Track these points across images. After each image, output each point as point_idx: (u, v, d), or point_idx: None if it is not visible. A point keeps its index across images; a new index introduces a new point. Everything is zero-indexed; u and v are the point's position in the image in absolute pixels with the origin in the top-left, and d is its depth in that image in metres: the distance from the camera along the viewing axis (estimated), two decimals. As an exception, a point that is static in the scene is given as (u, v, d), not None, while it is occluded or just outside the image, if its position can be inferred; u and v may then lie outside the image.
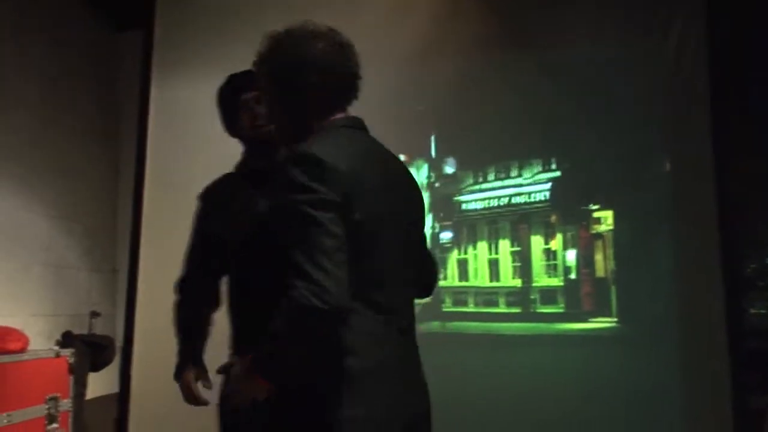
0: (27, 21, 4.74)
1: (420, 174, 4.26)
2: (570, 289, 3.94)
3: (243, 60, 4.30)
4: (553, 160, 4.04)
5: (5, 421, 3.63)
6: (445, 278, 4.14)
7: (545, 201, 4.03)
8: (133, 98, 4.99)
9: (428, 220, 4.23)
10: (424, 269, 2.03)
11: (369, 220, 1.67)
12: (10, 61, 4.57)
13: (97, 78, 5.58)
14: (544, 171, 4.05)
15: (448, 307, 4.15)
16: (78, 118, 5.30)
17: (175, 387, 2.43)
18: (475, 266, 4.14)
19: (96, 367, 4.83)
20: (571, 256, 3.96)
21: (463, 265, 4.16)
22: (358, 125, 1.85)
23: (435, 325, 4.15)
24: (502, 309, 4.07)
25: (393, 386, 1.72)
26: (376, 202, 1.70)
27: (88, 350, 4.73)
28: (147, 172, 4.66)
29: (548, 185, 4.03)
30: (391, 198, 1.77)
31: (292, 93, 1.79)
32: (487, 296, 4.11)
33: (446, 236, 4.20)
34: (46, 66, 4.95)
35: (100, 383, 4.84)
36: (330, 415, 1.64)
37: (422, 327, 4.15)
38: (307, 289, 1.51)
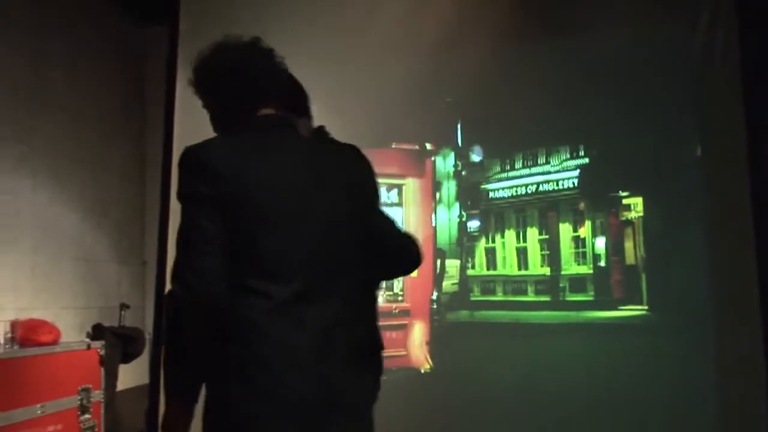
0: (52, 17, 4.78)
1: (446, 163, 4.25)
2: (599, 276, 3.90)
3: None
4: (581, 146, 4.00)
5: (39, 411, 3.68)
6: (473, 267, 4.12)
7: (574, 188, 3.99)
8: (159, 92, 5.00)
9: (455, 208, 4.22)
10: (380, 255, 1.92)
11: (253, 213, 1.70)
12: (36, 57, 4.61)
13: (124, 73, 5.62)
14: (572, 158, 4.01)
15: (476, 296, 4.13)
16: (105, 112, 5.35)
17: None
18: (503, 255, 4.11)
19: (126, 359, 4.88)
20: (600, 243, 3.92)
21: (491, 253, 4.14)
22: (275, 123, 1.88)
23: (463, 314, 4.13)
24: (530, 297, 4.05)
25: (282, 375, 1.67)
26: (265, 197, 1.73)
27: (119, 342, 4.78)
28: (174, 165, 4.67)
29: (576, 172, 3.99)
30: (294, 192, 1.78)
31: (209, 98, 1.95)
32: (516, 285, 4.08)
33: (474, 225, 4.18)
34: (72, 62, 4.99)
35: (130, 375, 4.89)
36: (219, 405, 1.68)
37: (450, 316, 4.19)
38: (176, 285, 1.63)
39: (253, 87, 1.87)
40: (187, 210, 1.70)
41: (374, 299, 1.96)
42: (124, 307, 5.18)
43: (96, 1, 5.25)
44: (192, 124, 4.69)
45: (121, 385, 4.62)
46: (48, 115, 4.71)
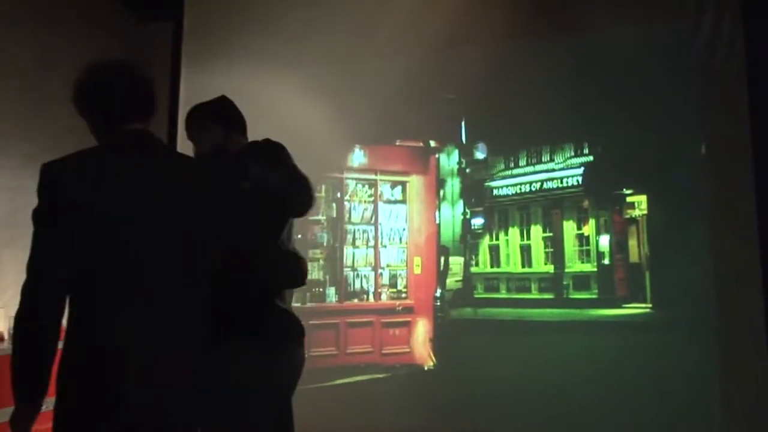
0: (57, 14, 4.77)
1: (450, 160, 4.24)
2: (603, 274, 3.90)
3: (272, 48, 4.33)
4: (585, 144, 3.99)
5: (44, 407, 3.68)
6: (476, 264, 4.12)
7: (577, 186, 3.99)
8: (162, 88, 5.00)
9: (459, 205, 4.22)
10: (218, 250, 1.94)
11: (83, 225, 1.75)
12: (38, 53, 4.60)
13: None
14: (576, 155, 4.00)
15: (480, 293, 4.13)
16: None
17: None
18: (507, 252, 4.11)
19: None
20: (604, 241, 3.92)
21: (494, 251, 4.14)
22: (124, 140, 1.90)
23: (467, 311, 4.13)
24: (534, 295, 4.05)
25: (96, 388, 1.73)
26: (96, 210, 1.77)
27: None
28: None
29: (580, 170, 3.98)
30: (127, 202, 1.80)
31: (81, 115, 1.98)
32: (519, 282, 4.08)
33: (477, 222, 4.18)
34: (76, 59, 4.98)
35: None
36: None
37: (454, 313, 4.18)
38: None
39: (109, 104, 1.91)
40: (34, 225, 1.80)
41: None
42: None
43: (100, -3, 5.23)
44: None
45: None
46: (52, 113, 4.70)
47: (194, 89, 4.72)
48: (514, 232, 4.11)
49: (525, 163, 4.12)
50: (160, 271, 1.80)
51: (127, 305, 1.76)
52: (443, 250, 4.20)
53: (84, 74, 1.94)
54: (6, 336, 3.81)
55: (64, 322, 1.79)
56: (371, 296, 4.32)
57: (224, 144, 2.34)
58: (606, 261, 3.90)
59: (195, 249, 1.86)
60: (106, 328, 1.74)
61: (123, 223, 1.77)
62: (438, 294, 4.17)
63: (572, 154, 4.01)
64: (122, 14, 5.45)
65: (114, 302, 1.75)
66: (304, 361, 2.23)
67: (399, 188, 4.37)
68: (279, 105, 4.25)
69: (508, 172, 4.14)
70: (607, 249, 3.91)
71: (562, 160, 4.02)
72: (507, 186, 4.13)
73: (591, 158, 3.97)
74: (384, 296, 4.31)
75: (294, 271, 2.24)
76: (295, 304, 4.28)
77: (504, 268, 4.10)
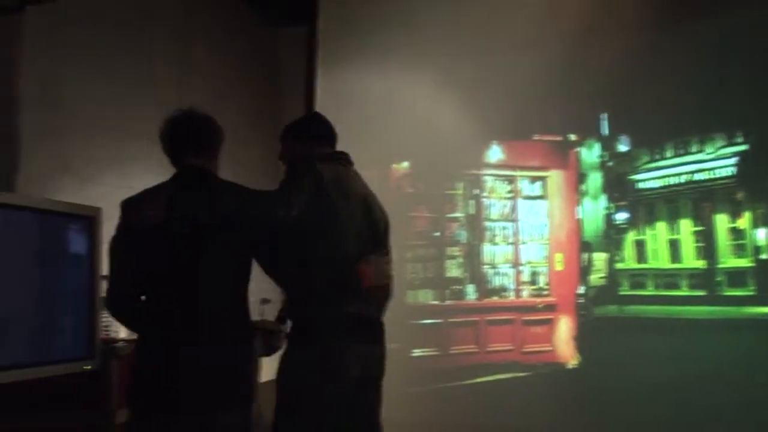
0: (194, 22, 4.96)
1: (591, 153, 4.14)
2: (761, 270, 3.69)
3: (406, 47, 4.35)
4: (738, 132, 3.79)
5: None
6: (621, 260, 4.00)
7: (731, 177, 3.79)
8: (294, 93, 5.10)
9: (601, 200, 4.12)
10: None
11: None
12: (176, 58, 4.79)
13: (260, 74, 5.77)
14: (729, 145, 3.81)
15: (625, 290, 4.00)
16: (242, 114, 5.50)
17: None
18: (654, 247, 3.96)
19: (267, 352, 5.01)
20: (761, 234, 3.71)
21: (640, 246, 4.00)
22: (180, 173, 2.37)
23: (612, 308, 4.02)
24: (684, 292, 3.89)
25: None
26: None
27: (260, 335, 4.92)
28: (313, 164, 4.76)
29: (734, 160, 3.79)
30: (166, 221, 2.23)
31: None
32: (668, 278, 3.93)
33: (621, 217, 4.06)
34: (212, 65, 5.16)
35: (271, 368, 5.02)
36: None
37: (598, 311, 4.07)
38: None
39: (171, 144, 2.38)
40: None
41: None
42: (264, 301, 5.32)
43: (233, 4, 5.41)
44: (332, 121, 4.78)
45: (262, 377, 4.75)
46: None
47: (330, 91, 4.80)
48: (660, 226, 3.96)
49: (672, 154, 3.96)
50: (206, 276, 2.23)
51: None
52: (586, 246, 4.10)
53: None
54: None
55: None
56: (511, 293, 4.27)
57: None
58: (763, 256, 3.69)
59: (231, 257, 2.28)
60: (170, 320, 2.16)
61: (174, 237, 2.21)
62: (581, 291, 4.08)
63: (724, 143, 3.81)
64: (254, 21, 5.62)
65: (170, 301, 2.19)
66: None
67: (538, 184, 4.30)
68: (414, 103, 4.27)
69: (654, 165, 4.00)
70: (765, 243, 3.69)
71: (712, 150, 3.84)
72: (652, 179, 3.99)
73: (746, 147, 3.76)
74: (524, 293, 4.25)
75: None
76: (433, 302, 4.34)
77: (650, 263, 3.96)
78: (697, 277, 3.85)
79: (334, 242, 2.28)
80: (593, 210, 4.11)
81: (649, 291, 3.95)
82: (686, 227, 3.90)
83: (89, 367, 2.87)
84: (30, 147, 3.31)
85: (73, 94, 3.60)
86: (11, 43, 3.21)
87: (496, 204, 4.32)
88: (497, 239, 4.30)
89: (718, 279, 3.79)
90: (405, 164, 4.49)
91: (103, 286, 3.14)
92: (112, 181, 3.91)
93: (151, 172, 4.42)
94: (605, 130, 4.11)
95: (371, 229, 2.35)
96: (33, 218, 2.74)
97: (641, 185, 4.03)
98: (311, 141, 2.57)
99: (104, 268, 2.51)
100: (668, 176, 3.95)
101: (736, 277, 3.75)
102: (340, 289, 2.29)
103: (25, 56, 3.28)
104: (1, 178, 3.10)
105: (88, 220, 2.98)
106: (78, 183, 3.61)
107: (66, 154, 3.55)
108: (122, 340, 3.29)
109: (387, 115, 4.37)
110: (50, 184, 3.42)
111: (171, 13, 4.64)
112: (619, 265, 4.00)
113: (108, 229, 2.98)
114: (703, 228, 3.85)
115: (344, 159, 2.49)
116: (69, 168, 3.57)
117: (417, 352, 4.28)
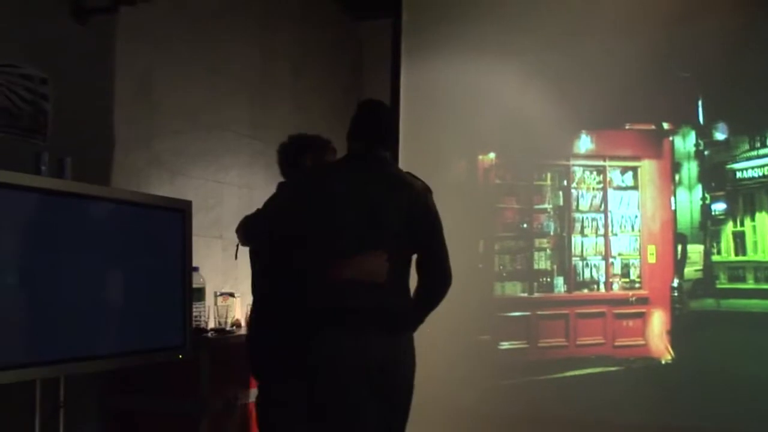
0: (279, 14, 5.03)
1: (686, 142, 4.01)
2: None
3: (492, 36, 4.31)
4: None
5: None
6: (718, 252, 3.86)
7: (839, 164, 3.62)
8: (377, 84, 5.13)
9: (697, 190, 3.99)
10: None
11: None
12: (265, 54, 4.86)
13: (342, 66, 5.81)
14: (839, 130, 3.63)
15: (722, 283, 3.86)
16: (327, 105, 5.56)
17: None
18: (754, 239, 3.81)
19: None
20: None
21: (739, 238, 3.84)
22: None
23: (708, 302, 3.89)
24: (787, 285, 3.73)
25: None
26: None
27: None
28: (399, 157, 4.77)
29: None
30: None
31: None
32: (770, 271, 3.78)
33: (719, 207, 3.91)
34: (297, 57, 5.22)
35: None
36: None
37: (694, 305, 3.95)
38: None
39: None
40: None
41: None
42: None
43: (317, -2, 5.46)
44: (415, 113, 4.78)
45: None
46: (276, 110, 4.96)
47: (414, 84, 4.80)
48: (762, 217, 3.79)
49: (773, 142, 3.80)
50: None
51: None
52: (680, 238, 3.97)
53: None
54: (243, 323, 3.95)
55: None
56: (602, 286, 4.18)
57: None
58: None
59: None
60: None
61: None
62: (675, 284, 3.96)
63: (834, 128, 3.64)
64: (338, 12, 5.66)
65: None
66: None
67: (630, 174, 4.18)
68: (501, 93, 4.24)
69: (754, 153, 3.83)
70: None
71: (818, 136, 3.67)
72: (753, 168, 3.83)
73: None
74: (615, 286, 4.15)
75: None
76: (521, 294, 4.30)
77: (751, 256, 3.80)
78: (801, 271, 3.69)
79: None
80: (688, 201, 3.98)
81: (750, 284, 3.80)
82: (790, 218, 3.74)
83: (182, 356, 2.98)
84: (124, 141, 3.44)
85: (163, 89, 3.73)
86: (105, 42, 3.35)
87: (585, 195, 4.23)
88: (587, 231, 4.22)
89: (825, 272, 3.62)
90: (492, 155, 4.46)
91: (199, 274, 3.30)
92: (201, 175, 4.03)
93: (240, 165, 4.54)
94: (701, 117, 3.97)
95: (372, 230, 2.52)
96: (128, 211, 2.84)
97: (740, 174, 3.87)
98: (348, 138, 2.84)
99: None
100: (770, 165, 3.79)
101: (843, 269, 3.58)
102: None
103: (118, 55, 3.42)
104: (99, 172, 3.23)
105: (180, 212, 3.08)
106: (168, 176, 3.74)
107: (156, 147, 3.68)
108: (212, 330, 3.39)
109: (473, 106, 4.34)
110: (142, 178, 3.56)
111: (255, 3, 4.72)
112: (715, 258, 3.86)
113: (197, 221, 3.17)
114: (808, 219, 3.68)
115: (369, 160, 2.71)
116: (160, 161, 3.69)
117: (505, 345, 4.26)
